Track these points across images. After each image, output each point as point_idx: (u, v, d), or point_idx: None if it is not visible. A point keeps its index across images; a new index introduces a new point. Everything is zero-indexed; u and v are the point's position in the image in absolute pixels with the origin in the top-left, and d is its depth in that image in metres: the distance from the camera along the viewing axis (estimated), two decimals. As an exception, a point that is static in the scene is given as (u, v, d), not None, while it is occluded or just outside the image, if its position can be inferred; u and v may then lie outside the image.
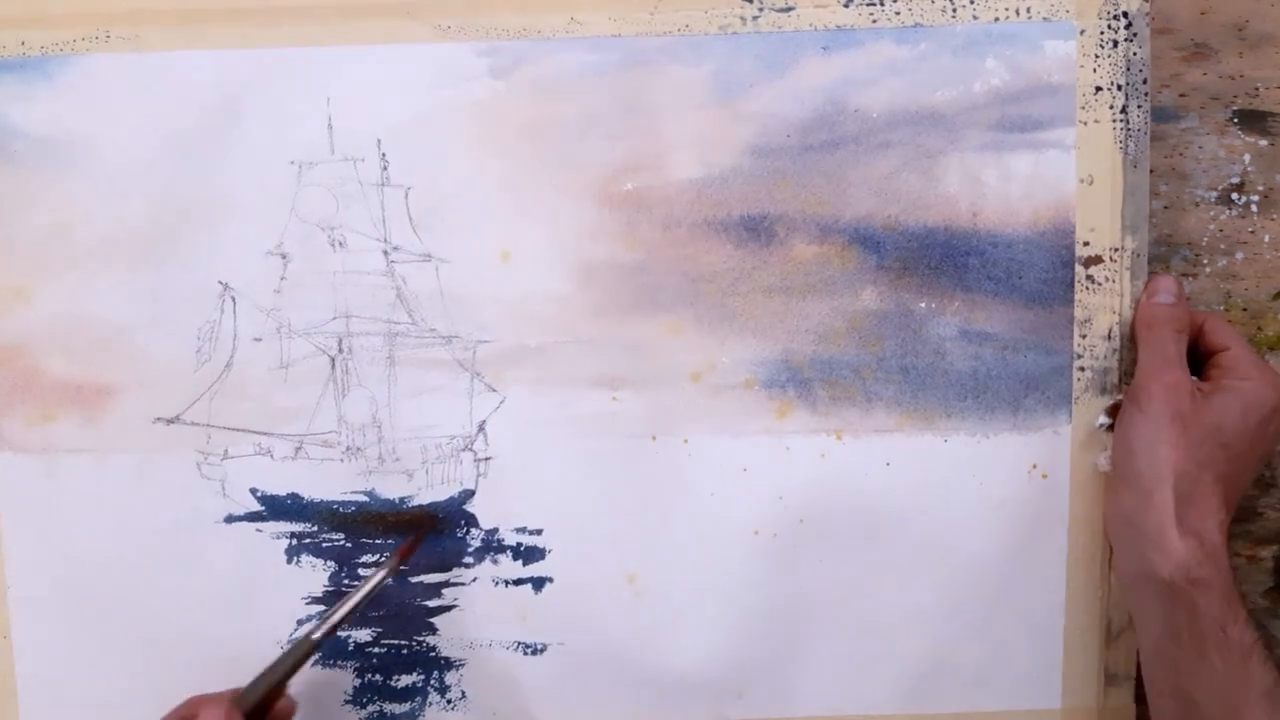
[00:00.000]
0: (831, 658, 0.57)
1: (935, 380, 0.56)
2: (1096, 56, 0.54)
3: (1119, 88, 0.54)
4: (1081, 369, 0.55)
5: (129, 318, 0.56)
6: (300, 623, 0.58)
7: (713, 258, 0.55)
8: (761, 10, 0.54)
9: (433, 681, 0.58)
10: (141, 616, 0.57)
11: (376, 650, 0.58)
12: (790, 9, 0.54)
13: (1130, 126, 0.54)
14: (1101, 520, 0.56)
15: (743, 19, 0.54)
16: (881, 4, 0.54)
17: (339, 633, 0.57)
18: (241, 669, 0.57)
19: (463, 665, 0.58)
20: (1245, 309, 0.56)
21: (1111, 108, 0.54)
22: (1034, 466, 0.56)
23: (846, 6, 0.54)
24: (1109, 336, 0.55)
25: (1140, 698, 0.58)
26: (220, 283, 0.56)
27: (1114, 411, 0.54)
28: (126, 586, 0.57)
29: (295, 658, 0.53)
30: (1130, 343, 0.55)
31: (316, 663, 0.58)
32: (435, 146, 0.55)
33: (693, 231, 0.55)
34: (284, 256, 0.56)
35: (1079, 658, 0.57)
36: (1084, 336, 0.55)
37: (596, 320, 0.56)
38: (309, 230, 0.56)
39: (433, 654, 0.58)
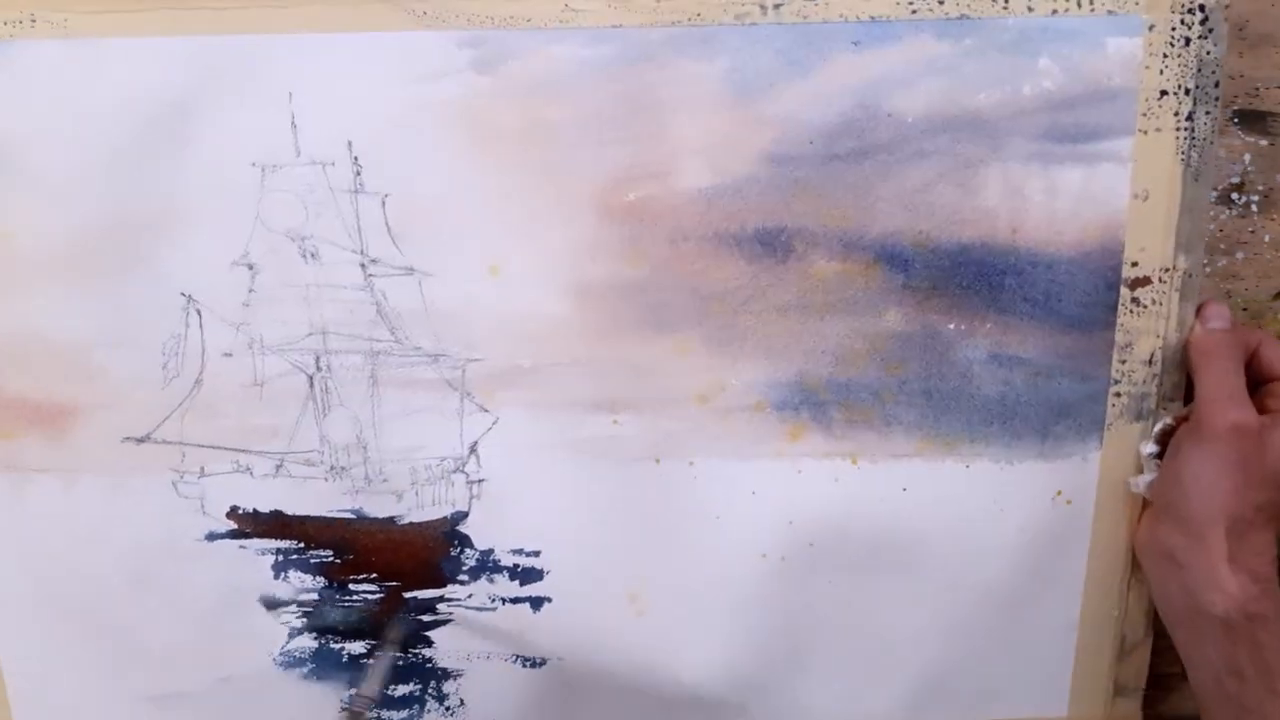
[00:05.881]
0: (837, 679, 0.56)
1: (960, 405, 0.52)
2: (1165, 56, 0.47)
3: (1187, 92, 0.47)
4: (1118, 395, 0.51)
5: (86, 334, 0.51)
6: (292, 634, 0.56)
7: (724, 274, 0.50)
8: (785, -2, 0.47)
9: (430, 690, 0.57)
10: (127, 633, 0.56)
11: (371, 663, 0.56)
12: (818, -4, 0.47)
13: (1195, 135, 0.48)
14: (1124, 543, 0.53)
15: (762, 7, 0.47)
16: (923, -8, 0.47)
17: (333, 645, 0.56)
18: (234, 683, 0.56)
19: (461, 675, 0.57)
20: (1245, 309, 0.53)
21: (1176, 114, 0.48)
22: (1059, 493, 0.53)
23: (882, -7, 0.47)
24: (1150, 361, 0.51)
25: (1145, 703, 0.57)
26: (183, 294, 0.51)
27: (1162, 439, 0.51)
28: (109, 604, 0.55)
29: None
30: (1173, 367, 0.51)
31: (310, 674, 0.56)
32: (413, 150, 0.49)
33: (702, 246, 0.50)
34: (250, 267, 0.51)
35: (1089, 670, 0.56)
36: (1123, 362, 0.51)
37: (595, 341, 0.51)
38: (277, 240, 0.50)
39: (429, 665, 0.56)
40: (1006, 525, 0.53)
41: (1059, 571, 0.54)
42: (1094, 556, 0.54)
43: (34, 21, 0.48)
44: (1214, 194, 0.51)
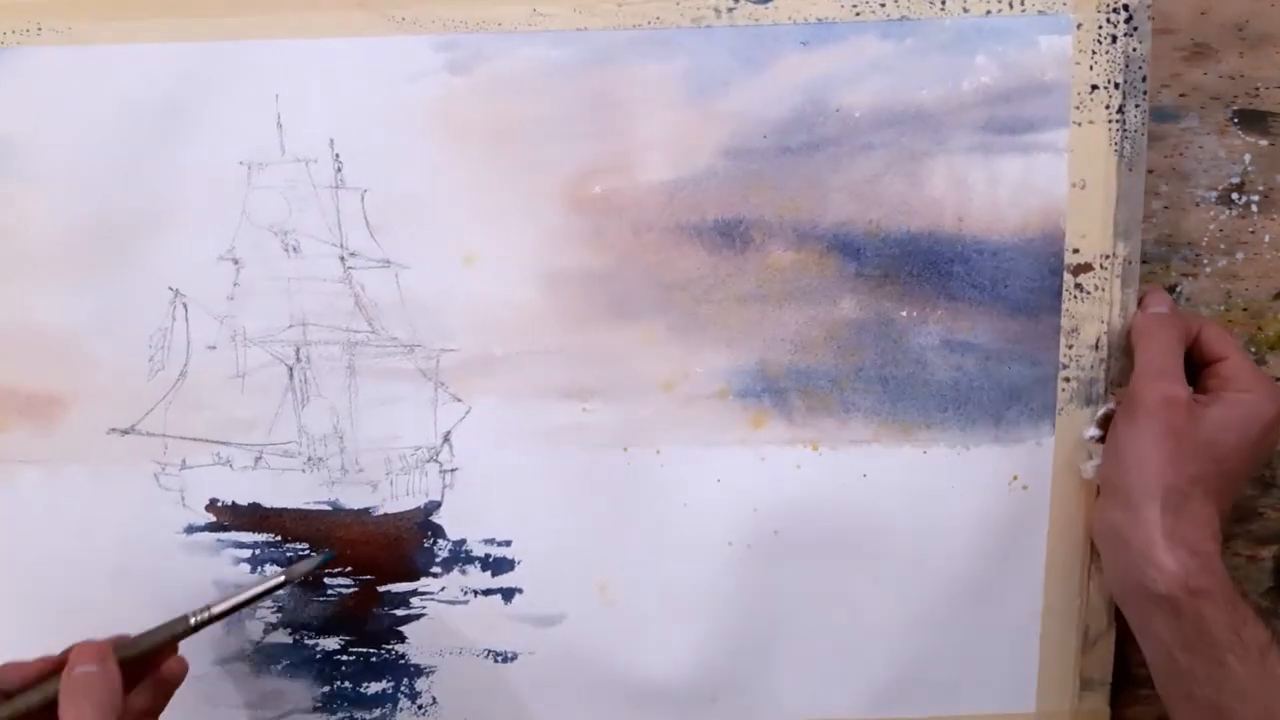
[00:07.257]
0: (805, 665, 0.57)
1: (915, 391, 0.54)
2: (1094, 53, 0.50)
3: (1116, 86, 0.51)
4: (1067, 379, 0.53)
5: (77, 326, 0.54)
6: (267, 630, 0.57)
7: (685, 264, 0.53)
8: (737, 2, 0.50)
9: (403, 688, 0.57)
10: (105, 626, 0.56)
11: (345, 659, 0.57)
12: (768, 0, 0.50)
13: (1126, 127, 0.51)
14: (1082, 530, 0.55)
15: (717, 11, 0.51)
16: (866, -5, 0.50)
17: (306, 641, 0.57)
18: (209, 677, 0.57)
19: (433, 672, 0.57)
20: (1245, 309, 0.55)
21: (1108, 107, 0.51)
22: (1015, 478, 0.54)
23: (828, -3, 0.50)
24: (1096, 346, 0.53)
25: (1115, 702, 0.57)
26: (171, 289, 0.53)
27: (1105, 423, 0.53)
28: (89, 597, 0.56)
29: (173, 631, 0.51)
30: (1119, 353, 0.53)
31: (283, 672, 0.57)
32: (392, 147, 0.52)
33: (664, 237, 0.53)
34: (236, 262, 0.53)
35: (1055, 663, 0.56)
36: (1070, 347, 0.53)
37: (565, 329, 0.53)
38: (261, 235, 0.53)
39: (402, 661, 0.57)
40: (965, 511, 0.55)
41: (1020, 559, 0.55)
42: (1053, 543, 0.55)
43: (40, 30, 0.51)
44: (1214, 194, 0.53)
